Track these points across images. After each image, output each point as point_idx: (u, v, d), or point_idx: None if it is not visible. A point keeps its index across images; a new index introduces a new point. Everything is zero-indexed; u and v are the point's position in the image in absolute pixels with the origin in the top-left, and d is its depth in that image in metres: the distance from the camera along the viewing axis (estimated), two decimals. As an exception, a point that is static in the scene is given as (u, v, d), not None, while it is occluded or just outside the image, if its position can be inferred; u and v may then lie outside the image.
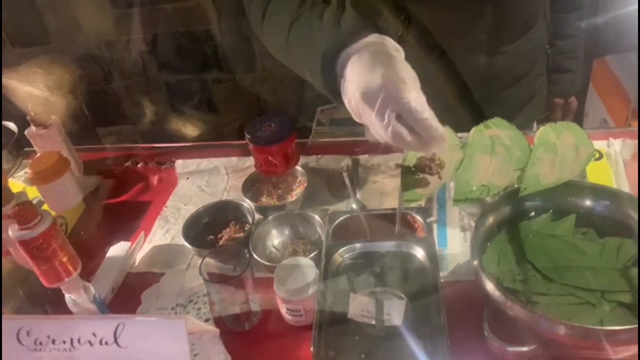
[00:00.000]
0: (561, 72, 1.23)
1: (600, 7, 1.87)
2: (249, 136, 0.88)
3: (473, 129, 0.76)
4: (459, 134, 0.76)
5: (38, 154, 1.07)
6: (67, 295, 0.80)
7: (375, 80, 0.66)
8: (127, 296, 0.96)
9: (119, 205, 1.20)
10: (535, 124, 1.26)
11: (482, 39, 1.01)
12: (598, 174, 0.99)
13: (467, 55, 0.99)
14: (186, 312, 0.89)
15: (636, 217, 0.80)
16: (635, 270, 0.75)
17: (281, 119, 0.89)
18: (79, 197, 1.03)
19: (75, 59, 2.24)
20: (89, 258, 1.01)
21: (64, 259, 0.73)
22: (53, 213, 1.02)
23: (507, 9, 0.98)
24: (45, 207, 1.02)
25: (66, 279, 0.75)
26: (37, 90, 1.43)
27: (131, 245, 1.03)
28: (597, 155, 1.02)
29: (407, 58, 0.85)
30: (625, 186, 0.97)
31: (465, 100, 1.05)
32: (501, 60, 1.04)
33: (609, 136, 1.07)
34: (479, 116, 0.94)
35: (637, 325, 0.65)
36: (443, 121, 0.68)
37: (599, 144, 1.06)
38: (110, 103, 2.40)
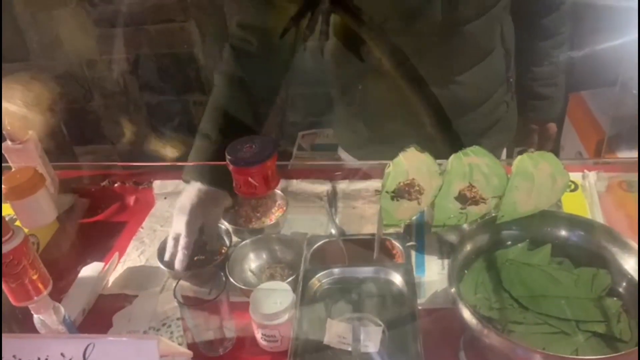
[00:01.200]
0: (538, 99, 1.25)
1: (576, 44, 1.92)
2: (229, 157, 0.88)
3: (452, 156, 0.77)
4: (438, 161, 0.77)
5: (13, 170, 1.05)
6: (35, 316, 0.77)
7: None
8: (98, 318, 0.94)
9: (94, 224, 1.18)
10: (504, 151, 1.27)
11: (433, 68, 1.02)
12: (573, 204, 1.01)
13: (423, 84, 1.01)
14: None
15: (610, 247, 0.81)
16: (609, 301, 0.76)
17: (262, 140, 0.89)
18: (53, 214, 1.01)
19: (56, 76, 2.22)
20: (61, 278, 0.99)
21: (35, 277, 0.71)
22: (26, 230, 0.99)
23: (456, 39, 1.00)
24: (17, 224, 0.99)
25: (36, 298, 0.72)
26: (14, 106, 1.41)
27: (104, 265, 1.01)
28: (572, 187, 1.04)
29: (370, 84, 0.89)
30: (600, 217, 0.99)
31: (426, 127, 1.07)
32: (455, 89, 1.06)
33: (584, 168, 1.10)
34: (441, 143, 0.96)
35: (610, 356, 0.65)
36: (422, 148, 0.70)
37: (575, 176, 1.08)
38: (89, 122, 2.38)
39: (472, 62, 1.06)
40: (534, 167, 0.76)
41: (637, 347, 0.64)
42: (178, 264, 0.94)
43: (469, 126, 1.12)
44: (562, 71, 1.24)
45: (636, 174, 1.06)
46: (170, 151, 2.32)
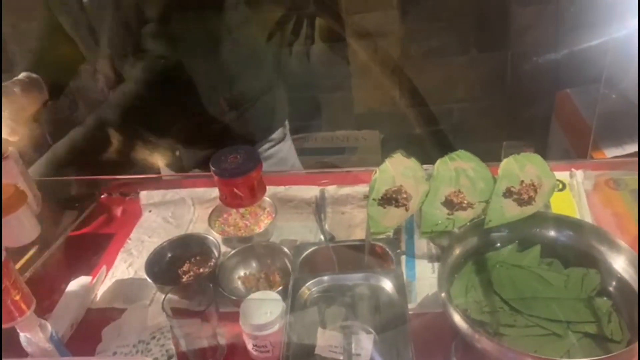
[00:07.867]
0: None
1: (561, 41, 1.93)
2: (213, 168, 0.87)
3: (438, 161, 0.76)
4: (425, 166, 0.77)
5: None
6: (21, 334, 0.76)
7: None
8: (86, 333, 0.92)
9: (81, 237, 1.17)
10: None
11: None
12: (561, 204, 1.01)
13: None
14: (149, 350, 0.86)
15: (599, 247, 0.81)
16: (599, 301, 0.76)
17: (247, 150, 0.88)
18: (36, 231, 1.00)
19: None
20: (49, 293, 0.97)
21: (17, 298, 0.69)
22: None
23: None
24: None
25: (19, 319, 0.71)
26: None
27: (92, 279, 1.00)
28: (560, 186, 1.04)
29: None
30: (588, 216, 0.99)
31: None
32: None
33: (570, 167, 1.10)
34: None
35: (601, 357, 0.65)
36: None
37: (562, 175, 1.08)
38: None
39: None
40: (520, 170, 0.76)
41: (627, 348, 0.64)
42: None
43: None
44: None
45: (623, 172, 1.06)
46: (157, 158, 2.30)
